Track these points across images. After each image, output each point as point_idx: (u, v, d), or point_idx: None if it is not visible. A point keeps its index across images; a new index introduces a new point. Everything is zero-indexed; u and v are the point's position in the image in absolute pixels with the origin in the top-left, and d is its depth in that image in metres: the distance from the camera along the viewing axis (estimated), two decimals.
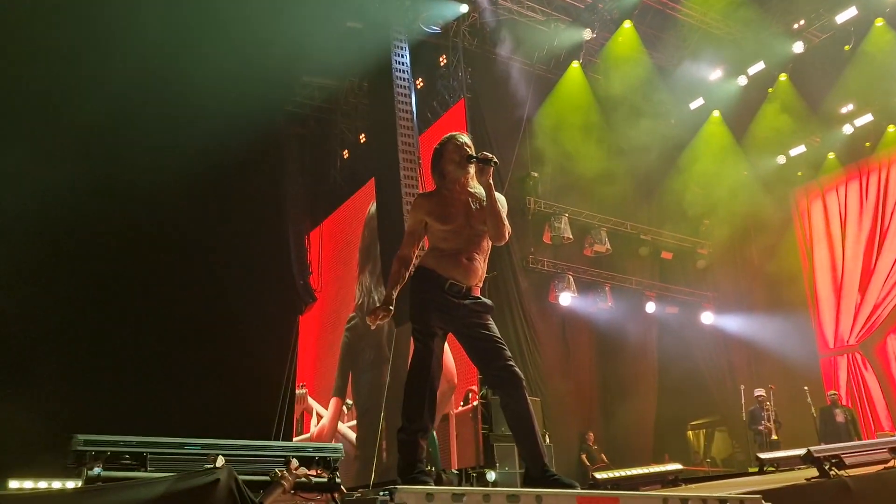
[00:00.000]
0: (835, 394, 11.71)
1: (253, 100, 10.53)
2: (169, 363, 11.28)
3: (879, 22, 12.41)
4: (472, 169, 3.70)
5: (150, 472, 3.19)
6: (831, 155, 14.25)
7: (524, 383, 3.54)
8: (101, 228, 10.65)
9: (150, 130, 10.53)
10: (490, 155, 3.61)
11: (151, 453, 3.27)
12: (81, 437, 3.16)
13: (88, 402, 9.77)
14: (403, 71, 11.86)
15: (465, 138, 3.77)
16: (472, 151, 3.70)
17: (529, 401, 3.56)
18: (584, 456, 11.68)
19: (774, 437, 10.77)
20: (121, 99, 9.93)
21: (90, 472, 3.11)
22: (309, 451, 3.56)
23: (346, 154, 15.53)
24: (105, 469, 3.16)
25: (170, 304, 11.43)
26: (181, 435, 3.39)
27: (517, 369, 3.54)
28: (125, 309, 10.97)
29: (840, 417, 10.84)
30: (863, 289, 13.28)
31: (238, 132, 10.69)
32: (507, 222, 3.64)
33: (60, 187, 9.53)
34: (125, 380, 10.39)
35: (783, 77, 13.86)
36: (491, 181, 3.60)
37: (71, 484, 3.22)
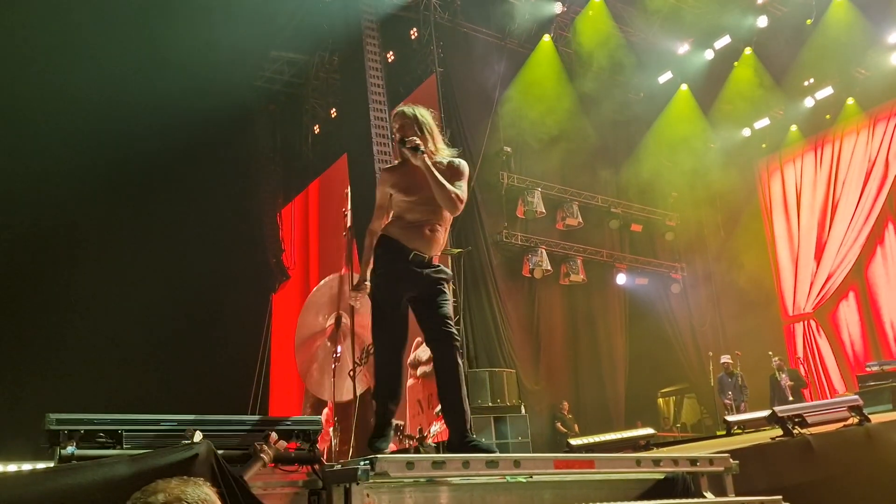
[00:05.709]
0: (778, 359, 11.75)
1: (221, 75, 10.36)
2: (143, 343, 11.19)
3: None
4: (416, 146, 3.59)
5: (126, 449, 3.15)
6: (794, 127, 14.46)
7: (455, 342, 3.56)
8: (81, 206, 10.50)
9: (116, 108, 10.34)
10: (415, 141, 3.55)
11: (127, 430, 3.21)
12: (54, 415, 3.08)
13: (61, 383, 9.66)
14: (374, 45, 11.72)
15: (395, 120, 3.72)
16: (400, 135, 3.65)
17: (460, 361, 3.57)
18: (559, 424, 11.87)
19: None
20: (85, 76, 9.72)
21: (63, 451, 3.03)
22: (287, 425, 3.56)
23: (317, 129, 15.35)
24: (79, 448, 3.12)
25: (142, 284, 11.32)
26: (157, 413, 3.36)
27: (452, 329, 3.56)
28: (96, 290, 10.83)
29: (784, 381, 11.10)
30: (818, 258, 13.57)
31: (206, 109, 10.52)
32: (451, 187, 3.57)
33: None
34: (99, 361, 10.28)
35: (748, 50, 13.98)
36: (426, 159, 3.54)
37: (43, 466, 3.16)
